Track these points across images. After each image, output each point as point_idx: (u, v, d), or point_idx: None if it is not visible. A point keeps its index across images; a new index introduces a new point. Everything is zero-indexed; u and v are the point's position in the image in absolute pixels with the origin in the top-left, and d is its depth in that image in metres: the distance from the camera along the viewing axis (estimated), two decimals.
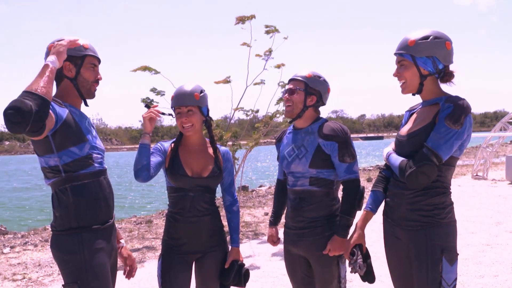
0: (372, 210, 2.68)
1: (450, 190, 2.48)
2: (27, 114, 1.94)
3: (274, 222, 3.16)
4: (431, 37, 2.39)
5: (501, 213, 9.07)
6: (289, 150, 2.90)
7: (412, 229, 2.45)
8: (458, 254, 2.43)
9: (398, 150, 2.54)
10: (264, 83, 8.73)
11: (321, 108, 2.93)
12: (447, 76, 2.45)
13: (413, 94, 2.52)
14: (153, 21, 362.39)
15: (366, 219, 2.68)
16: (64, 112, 2.31)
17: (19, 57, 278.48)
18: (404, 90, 2.51)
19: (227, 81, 8.40)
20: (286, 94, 2.85)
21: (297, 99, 2.81)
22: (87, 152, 2.40)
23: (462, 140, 2.32)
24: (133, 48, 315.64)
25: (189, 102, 2.75)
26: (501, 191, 12.41)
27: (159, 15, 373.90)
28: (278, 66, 8.76)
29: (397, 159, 2.43)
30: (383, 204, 2.70)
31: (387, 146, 2.67)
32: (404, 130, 2.56)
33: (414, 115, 2.58)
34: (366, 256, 2.72)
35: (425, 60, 2.40)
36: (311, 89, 2.82)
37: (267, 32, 8.40)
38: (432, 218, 2.40)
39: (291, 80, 2.88)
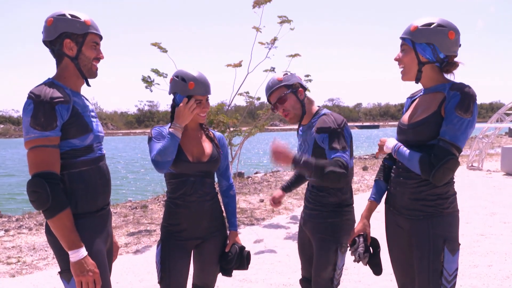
0: (376, 200, 2.70)
1: (454, 180, 2.45)
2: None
3: (284, 188, 3.31)
4: (434, 24, 2.33)
5: (495, 204, 9.10)
6: (299, 144, 2.96)
7: (415, 219, 2.43)
8: (460, 244, 2.41)
9: (401, 138, 2.50)
10: (275, 72, 8.72)
11: (317, 98, 2.93)
12: (448, 66, 2.39)
13: (416, 82, 2.48)
14: (152, 7, 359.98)
15: (370, 209, 2.71)
16: (68, 109, 2.23)
17: (14, 47, 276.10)
18: (403, 76, 2.48)
19: (239, 65, 8.39)
20: (278, 108, 2.86)
21: (291, 103, 2.83)
22: (89, 143, 2.34)
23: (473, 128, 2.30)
24: (128, 32, 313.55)
25: (210, 91, 2.78)
26: (496, 182, 12.44)
27: (159, 2, 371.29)
28: (293, 56, 8.73)
29: (413, 155, 2.35)
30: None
31: (388, 138, 2.60)
32: (406, 118, 2.51)
33: (416, 102, 2.54)
34: (375, 247, 2.72)
35: (424, 47, 2.35)
36: (293, 86, 2.83)
37: (281, 22, 8.41)
38: (435, 208, 2.38)
39: (271, 94, 2.88)
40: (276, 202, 3.27)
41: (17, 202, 14.43)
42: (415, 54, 2.38)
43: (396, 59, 2.49)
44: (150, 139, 2.73)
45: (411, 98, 2.66)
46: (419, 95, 2.58)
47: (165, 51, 8.29)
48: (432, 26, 2.33)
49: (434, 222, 2.38)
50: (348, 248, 2.76)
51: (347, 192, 2.83)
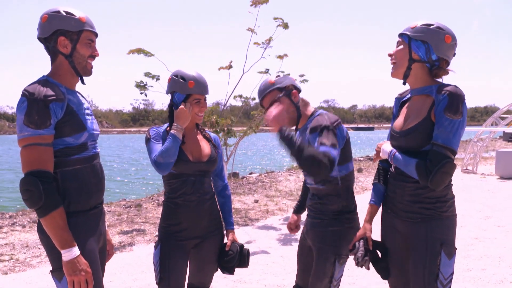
0: (376, 203, 2.66)
1: (452, 183, 2.44)
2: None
3: (296, 210, 3.23)
4: (433, 25, 2.35)
5: (490, 207, 9.12)
6: None
7: (413, 221, 2.42)
8: (456, 249, 2.41)
9: (394, 144, 2.50)
10: (269, 73, 8.69)
11: (312, 99, 2.88)
12: (438, 70, 2.38)
13: (404, 83, 2.48)
14: (149, 7, 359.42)
15: (371, 213, 2.67)
16: (62, 107, 2.21)
17: (9, 44, 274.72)
18: (393, 72, 2.47)
19: (230, 66, 8.35)
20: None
21: (285, 106, 2.67)
22: (83, 141, 2.32)
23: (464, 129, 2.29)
24: (123, 30, 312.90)
25: (208, 91, 2.77)
26: (490, 185, 12.47)
27: (155, 1, 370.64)
28: (281, 57, 8.70)
29: (409, 161, 2.34)
30: None
31: (384, 143, 2.58)
32: (398, 124, 2.50)
33: (406, 108, 2.53)
34: (382, 250, 2.66)
35: (419, 44, 2.36)
36: (286, 88, 2.74)
37: (278, 26, 8.35)
38: (434, 211, 2.37)
39: (263, 98, 2.77)
40: (293, 228, 3.21)
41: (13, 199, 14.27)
42: (409, 50, 2.39)
43: (389, 54, 2.49)
44: (148, 140, 2.71)
45: (400, 99, 2.65)
46: (407, 96, 2.58)
47: (151, 55, 7.99)
48: (431, 27, 2.35)
49: (432, 225, 2.37)
50: (349, 252, 2.71)
51: (348, 198, 2.75)
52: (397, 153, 2.43)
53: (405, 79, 2.45)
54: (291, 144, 2.36)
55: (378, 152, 2.61)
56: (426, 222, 2.38)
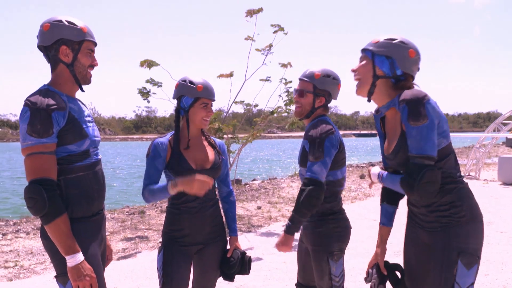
0: (385, 224, 2.61)
1: (462, 182, 2.32)
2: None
3: None
4: (397, 40, 2.31)
5: (492, 213, 9.12)
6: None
7: (433, 231, 2.33)
8: (479, 258, 2.26)
9: (389, 164, 2.46)
10: (270, 81, 8.73)
11: None
12: (404, 82, 2.32)
13: (368, 101, 2.42)
14: (151, 13, 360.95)
15: (382, 236, 2.61)
16: (64, 116, 2.25)
17: (13, 51, 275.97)
18: (357, 89, 2.41)
19: (231, 75, 8.39)
20: (296, 95, 2.89)
21: (306, 101, 2.84)
22: (85, 148, 2.36)
23: (437, 127, 2.18)
24: (125, 36, 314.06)
25: (215, 97, 2.82)
26: (493, 191, 12.49)
27: (157, 9, 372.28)
28: (284, 66, 8.73)
29: (393, 180, 2.30)
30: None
31: (374, 167, 2.55)
32: (386, 147, 2.47)
33: (386, 127, 2.49)
34: (402, 272, 2.60)
35: (383, 59, 2.30)
36: (319, 91, 2.83)
37: (274, 32, 8.39)
38: (450, 218, 2.26)
39: (300, 80, 2.89)
40: None
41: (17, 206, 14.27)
42: (372, 66, 2.33)
43: (352, 70, 2.43)
44: (147, 156, 2.75)
45: (378, 116, 2.58)
46: (384, 112, 2.49)
47: (156, 64, 8.03)
48: (394, 41, 2.31)
49: (450, 234, 2.26)
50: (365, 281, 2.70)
51: (331, 201, 2.80)
52: (384, 174, 2.40)
53: (369, 96, 2.39)
54: (295, 221, 2.66)
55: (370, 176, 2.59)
56: (445, 230, 2.27)
